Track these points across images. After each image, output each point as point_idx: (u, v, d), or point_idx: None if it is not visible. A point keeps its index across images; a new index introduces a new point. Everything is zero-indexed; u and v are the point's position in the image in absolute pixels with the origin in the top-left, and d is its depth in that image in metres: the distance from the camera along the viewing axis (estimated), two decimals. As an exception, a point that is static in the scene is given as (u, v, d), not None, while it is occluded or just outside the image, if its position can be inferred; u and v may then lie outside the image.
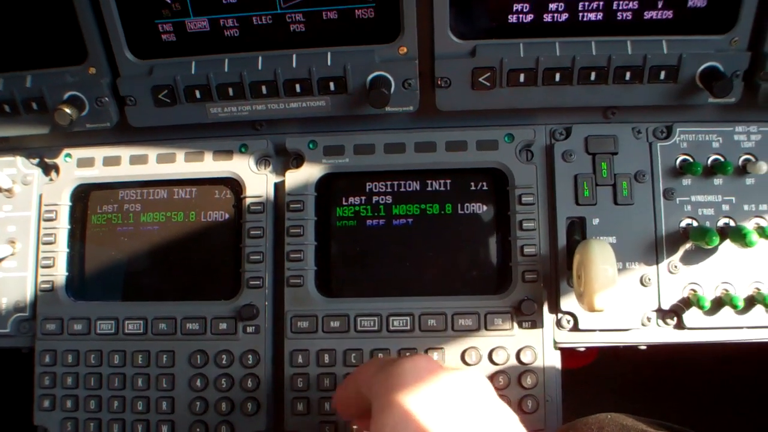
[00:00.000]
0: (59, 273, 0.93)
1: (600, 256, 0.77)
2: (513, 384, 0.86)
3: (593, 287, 0.76)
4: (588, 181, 0.89)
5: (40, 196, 0.97)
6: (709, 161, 0.89)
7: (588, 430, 0.70)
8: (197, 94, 0.89)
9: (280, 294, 0.91)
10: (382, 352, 0.87)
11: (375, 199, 0.92)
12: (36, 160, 0.99)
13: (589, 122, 0.92)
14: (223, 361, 0.89)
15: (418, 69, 0.87)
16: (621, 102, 0.88)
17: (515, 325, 0.87)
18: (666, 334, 0.88)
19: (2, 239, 0.96)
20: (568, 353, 0.91)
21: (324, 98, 0.89)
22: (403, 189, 0.92)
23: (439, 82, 0.86)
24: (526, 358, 0.86)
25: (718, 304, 0.86)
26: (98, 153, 0.95)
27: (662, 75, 0.84)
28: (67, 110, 0.87)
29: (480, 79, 0.86)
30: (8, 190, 0.96)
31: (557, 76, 0.85)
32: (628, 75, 0.84)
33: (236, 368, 0.89)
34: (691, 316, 0.86)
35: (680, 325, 0.87)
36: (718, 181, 0.88)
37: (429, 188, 0.92)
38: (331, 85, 0.87)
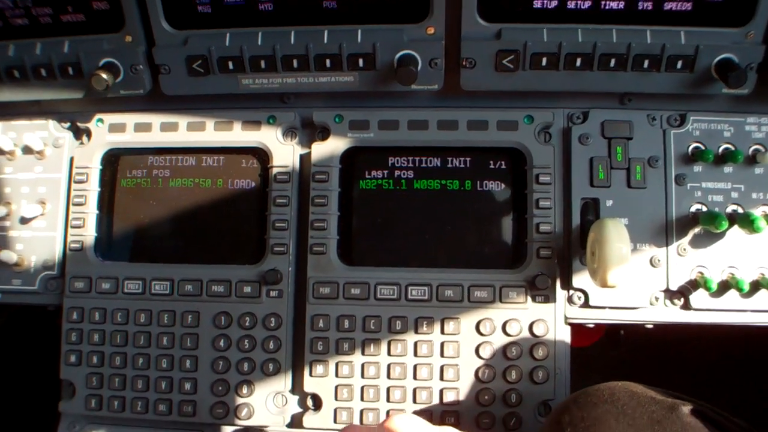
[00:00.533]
0: (89, 233, 0.96)
1: (615, 235, 0.80)
2: (525, 355, 0.89)
3: (607, 264, 0.79)
4: (603, 164, 0.92)
5: (71, 159, 0.99)
6: (720, 150, 0.92)
7: (600, 395, 0.73)
8: (230, 65, 0.91)
9: (303, 261, 0.93)
10: (400, 320, 0.90)
11: (397, 173, 0.95)
12: (67, 124, 1.01)
13: (606, 107, 0.95)
14: (247, 323, 0.92)
15: (444, 49, 0.89)
16: (638, 89, 0.90)
17: (529, 298, 0.90)
18: (673, 313, 0.91)
19: (33, 199, 0.99)
20: (575, 331, 0.94)
21: (352, 74, 0.92)
22: (424, 165, 0.95)
23: (464, 63, 0.89)
24: (538, 330, 0.90)
25: (725, 287, 0.89)
26: (129, 119, 0.98)
27: (679, 64, 0.87)
28: (104, 75, 0.89)
29: (504, 61, 0.88)
30: (39, 152, 0.99)
31: (578, 61, 0.88)
32: (646, 63, 0.87)
33: (259, 330, 0.92)
34: (698, 297, 0.89)
35: (687, 306, 0.90)
36: (728, 169, 0.92)
37: (450, 165, 0.95)
38: (360, 61, 0.90)
